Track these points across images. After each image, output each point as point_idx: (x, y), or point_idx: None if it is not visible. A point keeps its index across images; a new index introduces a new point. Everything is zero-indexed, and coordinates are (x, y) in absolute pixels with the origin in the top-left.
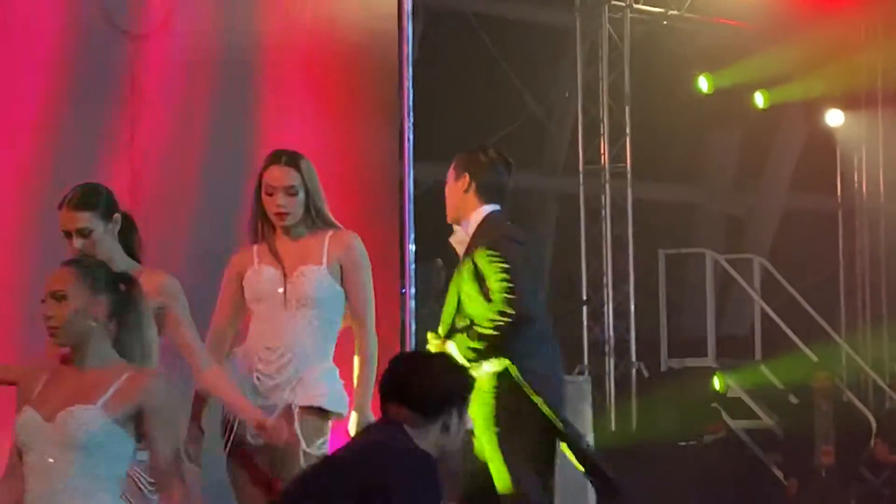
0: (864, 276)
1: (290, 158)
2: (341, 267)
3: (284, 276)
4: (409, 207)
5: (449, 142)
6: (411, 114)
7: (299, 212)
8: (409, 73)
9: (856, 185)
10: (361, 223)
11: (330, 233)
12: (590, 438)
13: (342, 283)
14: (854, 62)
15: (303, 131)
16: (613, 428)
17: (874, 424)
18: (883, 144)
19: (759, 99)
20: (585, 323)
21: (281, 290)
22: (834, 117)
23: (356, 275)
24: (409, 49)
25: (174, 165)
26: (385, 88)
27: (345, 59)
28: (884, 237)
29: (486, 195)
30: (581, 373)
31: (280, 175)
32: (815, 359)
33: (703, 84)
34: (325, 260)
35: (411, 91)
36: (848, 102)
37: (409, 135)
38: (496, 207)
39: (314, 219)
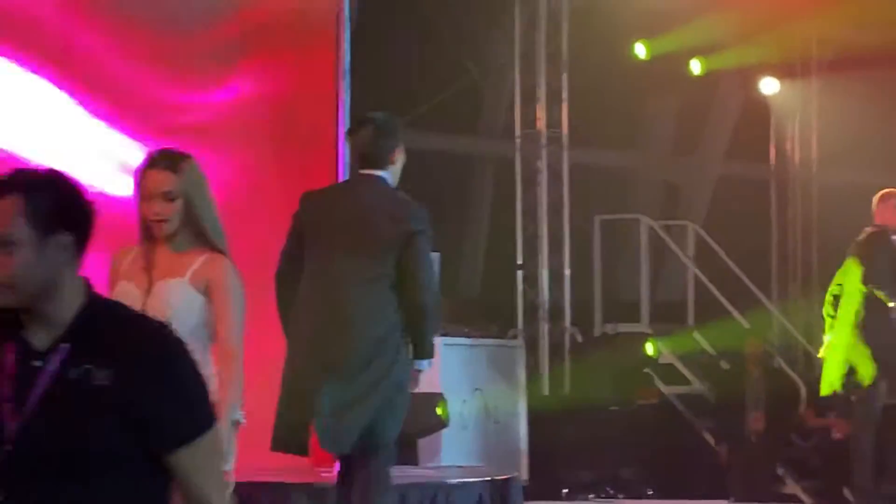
0: (796, 244)
1: (170, 161)
2: (208, 285)
3: (148, 290)
4: (343, 171)
5: (386, 106)
6: (347, 77)
7: (177, 220)
8: (346, 35)
9: (789, 153)
10: (299, 187)
11: (207, 255)
12: (523, 402)
13: (209, 304)
14: (789, 31)
15: (239, 94)
16: (547, 392)
17: (804, 390)
18: (817, 113)
19: (696, 66)
20: (520, 287)
21: (140, 305)
22: (769, 85)
23: (222, 296)
24: (345, 12)
25: None
26: (322, 54)
27: (282, 24)
28: (816, 205)
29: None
30: (515, 337)
31: (157, 179)
32: (746, 325)
33: (641, 51)
34: (189, 273)
35: (348, 55)
36: (783, 71)
37: (344, 98)
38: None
39: (196, 234)
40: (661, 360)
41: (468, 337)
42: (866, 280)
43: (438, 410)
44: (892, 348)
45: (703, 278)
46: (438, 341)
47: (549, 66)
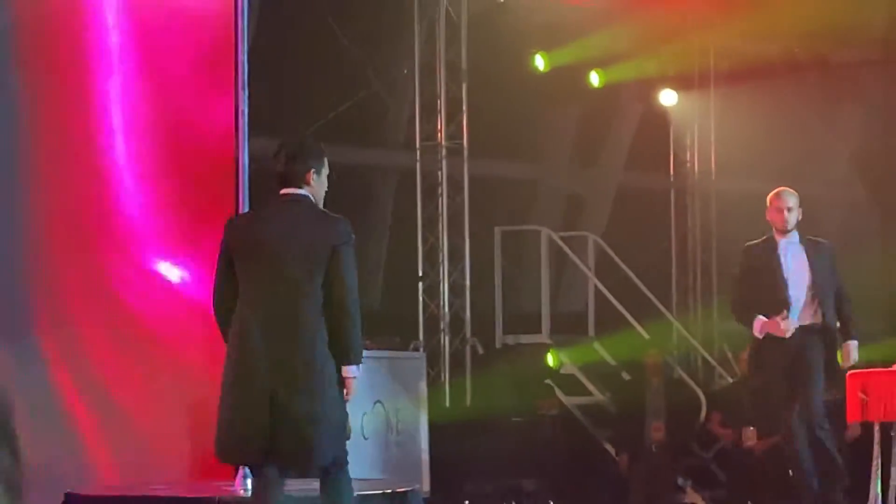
0: (695, 255)
1: None
2: None
3: None
4: (243, 182)
5: (288, 117)
6: (246, 88)
7: None
8: (244, 46)
9: (688, 163)
10: (197, 197)
11: None
12: (424, 414)
13: None
14: (687, 43)
15: (136, 105)
16: (448, 404)
17: (704, 401)
18: (715, 124)
19: (595, 78)
20: (421, 299)
21: None
22: (667, 97)
23: None
24: (243, 22)
25: None
26: (221, 62)
27: (180, 31)
28: (715, 216)
29: None
30: (416, 349)
31: None
32: (646, 336)
33: (540, 62)
34: None
35: (246, 65)
36: (681, 82)
37: (243, 108)
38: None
39: None
40: (562, 371)
41: (369, 349)
42: None
43: None
44: None
45: (604, 289)
46: None
47: (449, 77)
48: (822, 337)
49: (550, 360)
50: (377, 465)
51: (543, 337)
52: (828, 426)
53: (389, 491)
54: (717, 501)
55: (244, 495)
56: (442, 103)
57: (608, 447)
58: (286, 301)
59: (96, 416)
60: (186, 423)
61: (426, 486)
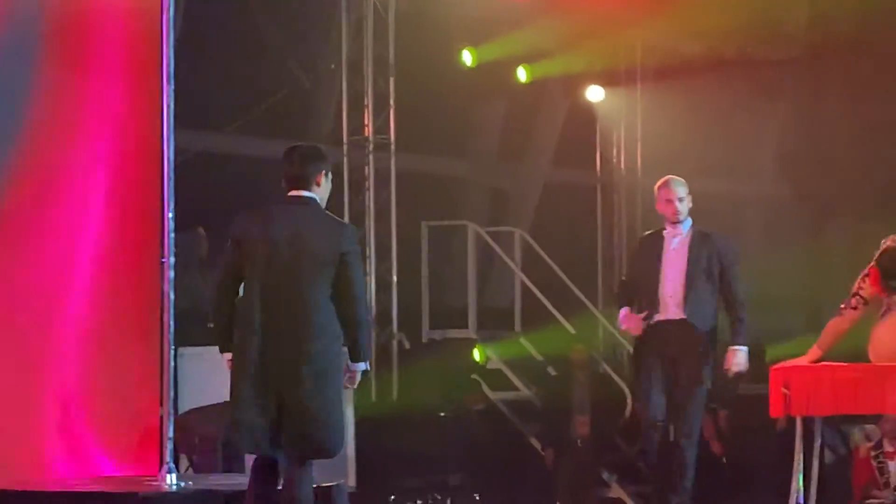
0: (621, 250)
1: None
2: None
3: None
4: (169, 175)
5: (214, 110)
6: (172, 80)
7: None
8: (169, 38)
9: (614, 159)
10: (122, 191)
11: None
12: (350, 408)
13: None
14: (614, 39)
15: (59, 96)
16: (374, 398)
17: (629, 395)
18: (641, 120)
19: (522, 73)
20: None
21: None
22: (594, 93)
23: None
24: (169, 15)
25: None
26: (147, 54)
27: (105, 24)
28: (641, 212)
29: None
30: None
31: None
32: (572, 331)
33: (467, 58)
34: None
35: (172, 57)
36: (608, 79)
37: (169, 101)
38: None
39: None
40: (489, 366)
41: None
42: None
43: None
44: None
45: (530, 284)
46: None
47: (377, 72)
48: (701, 341)
49: (477, 355)
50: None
51: (470, 332)
52: (696, 438)
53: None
54: (642, 496)
55: (167, 489)
56: (369, 98)
57: (534, 442)
58: (294, 302)
59: None
60: (55, 418)
61: (352, 481)
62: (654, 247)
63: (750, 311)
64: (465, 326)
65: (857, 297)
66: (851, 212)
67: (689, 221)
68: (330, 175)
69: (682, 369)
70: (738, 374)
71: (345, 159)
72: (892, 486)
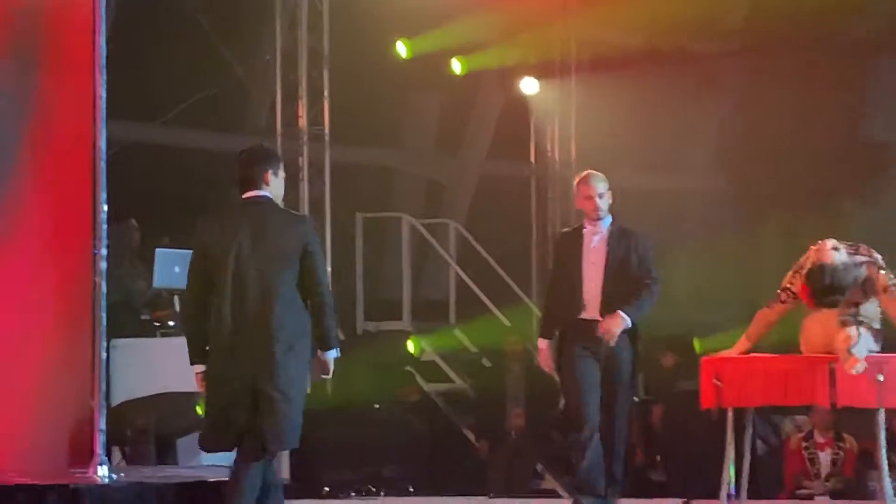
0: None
1: None
2: None
3: None
4: (101, 166)
5: (147, 101)
6: (104, 71)
7: None
8: (102, 28)
9: (549, 152)
10: (54, 181)
11: None
12: None
13: None
14: (548, 31)
15: None
16: (309, 390)
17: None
18: (576, 113)
19: (457, 65)
20: None
21: None
22: (529, 86)
23: None
24: (102, 5)
25: None
26: (80, 45)
27: (38, 15)
28: (575, 204)
29: None
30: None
31: None
32: (507, 323)
33: (402, 49)
34: None
35: (104, 48)
36: (543, 71)
37: (101, 92)
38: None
39: None
40: (423, 358)
41: None
42: None
43: (198, 409)
44: None
45: (465, 277)
46: None
47: (311, 63)
48: (628, 340)
49: (411, 346)
50: (233, 452)
51: (404, 324)
52: (626, 433)
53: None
54: (577, 488)
55: (99, 481)
56: (304, 89)
57: (468, 434)
58: (261, 298)
59: None
60: None
61: (286, 474)
62: (573, 245)
63: (685, 303)
64: (400, 318)
65: (788, 291)
66: (787, 205)
67: (610, 218)
68: (280, 172)
69: (609, 367)
70: (608, 342)
71: (279, 151)
72: (823, 476)
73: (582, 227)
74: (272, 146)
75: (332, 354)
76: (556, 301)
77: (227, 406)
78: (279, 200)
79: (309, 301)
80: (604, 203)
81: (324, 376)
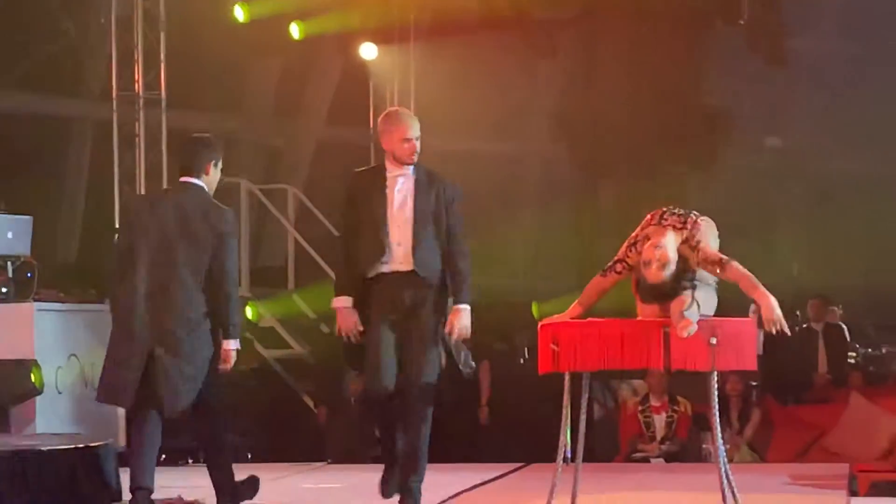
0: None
1: None
2: None
3: None
4: None
5: None
6: None
7: None
8: None
9: None
10: None
11: None
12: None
13: None
14: None
15: None
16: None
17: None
18: (415, 78)
19: (295, 30)
20: None
21: None
22: (368, 50)
23: None
24: None
25: None
26: None
27: None
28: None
29: None
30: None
31: None
32: None
33: (240, 13)
34: None
35: None
36: (382, 36)
37: None
38: None
39: None
40: (262, 324)
41: (63, 302)
42: None
43: (32, 377)
44: None
45: (304, 242)
46: (31, 307)
47: (147, 27)
48: (433, 293)
49: (249, 312)
50: (72, 420)
51: (242, 290)
52: (432, 392)
53: (83, 445)
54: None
55: None
56: (139, 53)
57: (307, 399)
58: (171, 277)
59: None
60: None
61: (122, 442)
62: (374, 187)
63: (522, 269)
64: (238, 285)
65: (623, 263)
66: (623, 173)
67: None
68: (219, 164)
69: (414, 323)
70: (461, 338)
71: (114, 116)
72: (658, 439)
73: (383, 167)
74: (218, 140)
75: (232, 344)
76: (355, 247)
77: (123, 367)
78: (212, 191)
79: (215, 290)
80: (418, 146)
81: (224, 368)
